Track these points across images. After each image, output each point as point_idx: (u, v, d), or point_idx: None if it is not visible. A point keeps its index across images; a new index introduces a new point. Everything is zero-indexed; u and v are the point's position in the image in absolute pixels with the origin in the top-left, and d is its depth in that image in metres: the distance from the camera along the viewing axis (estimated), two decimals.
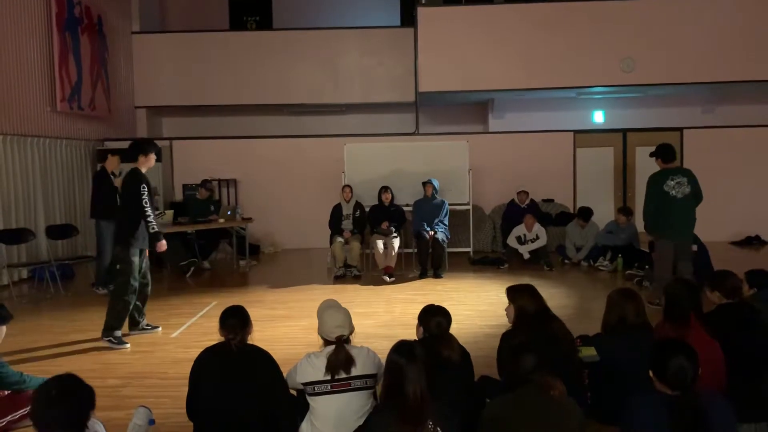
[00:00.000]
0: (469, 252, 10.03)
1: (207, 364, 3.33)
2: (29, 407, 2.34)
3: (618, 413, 2.83)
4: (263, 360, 3.36)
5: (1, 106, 8.43)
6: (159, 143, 10.83)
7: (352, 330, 3.33)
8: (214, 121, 13.14)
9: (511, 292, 3.83)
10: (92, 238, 8.56)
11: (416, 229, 8.77)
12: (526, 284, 3.91)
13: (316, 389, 3.19)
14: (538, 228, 9.24)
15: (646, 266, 7.90)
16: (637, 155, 11.47)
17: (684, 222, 6.30)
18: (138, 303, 5.86)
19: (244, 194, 11.39)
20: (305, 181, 11.28)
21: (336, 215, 8.92)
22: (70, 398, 2.27)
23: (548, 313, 3.80)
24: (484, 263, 9.38)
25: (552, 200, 11.20)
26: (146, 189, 5.62)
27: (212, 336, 3.67)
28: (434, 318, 3.45)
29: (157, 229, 5.69)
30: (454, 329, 3.55)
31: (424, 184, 8.96)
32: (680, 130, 11.36)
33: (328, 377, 3.16)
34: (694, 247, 6.92)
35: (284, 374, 3.39)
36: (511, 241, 9.40)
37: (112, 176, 7.78)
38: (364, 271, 8.77)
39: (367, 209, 9.08)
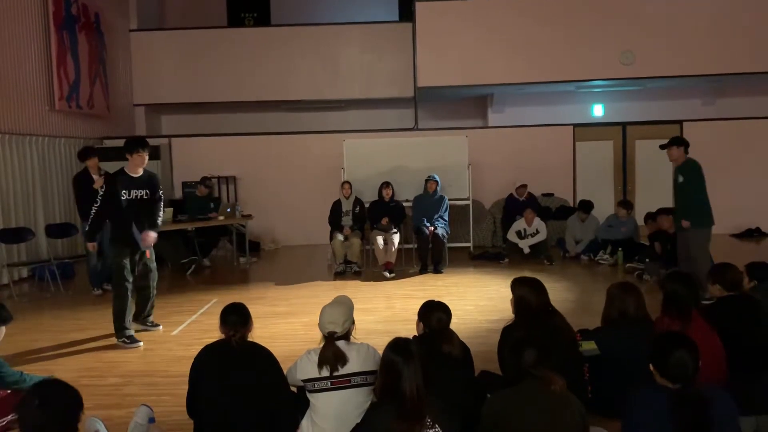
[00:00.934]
0: (469, 247, 10.02)
1: (207, 361, 3.33)
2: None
3: (619, 406, 2.83)
4: (264, 357, 3.35)
5: (0, 105, 8.40)
6: (158, 141, 11.02)
7: (347, 328, 3.29)
8: (213, 118, 13.12)
9: (513, 283, 3.83)
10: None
11: (416, 224, 8.76)
12: (531, 277, 3.89)
13: (316, 386, 3.18)
14: (538, 222, 9.23)
15: (647, 260, 7.91)
16: (637, 149, 11.46)
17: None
18: (138, 301, 5.84)
19: (243, 191, 11.38)
20: (305, 177, 11.27)
21: (336, 211, 8.91)
22: (53, 405, 2.27)
23: (550, 307, 3.80)
24: (484, 258, 9.38)
25: (552, 194, 11.19)
26: (113, 186, 5.61)
27: (213, 334, 3.67)
28: (434, 313, 3.45)
29: (92, 230, 5.79)
30: (454, 324, 3.55)
31: (427, 180, 8.94)
32: (680, 122, 11.34)
33: (327, 374, 3.16)
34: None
35: (284, 371, 3.39)
36: (511, 236, 9.39)
37: (97, 175, 7.71)
38: (365, 267, 8.76)
39: (367, 205, 9.07)
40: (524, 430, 2.67)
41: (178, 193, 11.24)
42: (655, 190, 11.16)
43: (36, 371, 4.23)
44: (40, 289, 8.04)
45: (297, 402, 3.36)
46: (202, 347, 3.41)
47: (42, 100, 9.40)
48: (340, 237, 8.59)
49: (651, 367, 2.71)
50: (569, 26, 10.86)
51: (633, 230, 8.89)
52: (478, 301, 6.81)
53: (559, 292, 7.01)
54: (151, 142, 11.09)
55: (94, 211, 5.75)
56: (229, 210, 9.27)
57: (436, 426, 2.56)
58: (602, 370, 3.72)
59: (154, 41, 12.41)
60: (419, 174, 9.22)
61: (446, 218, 8.86)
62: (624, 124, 11.64)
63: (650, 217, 8.34)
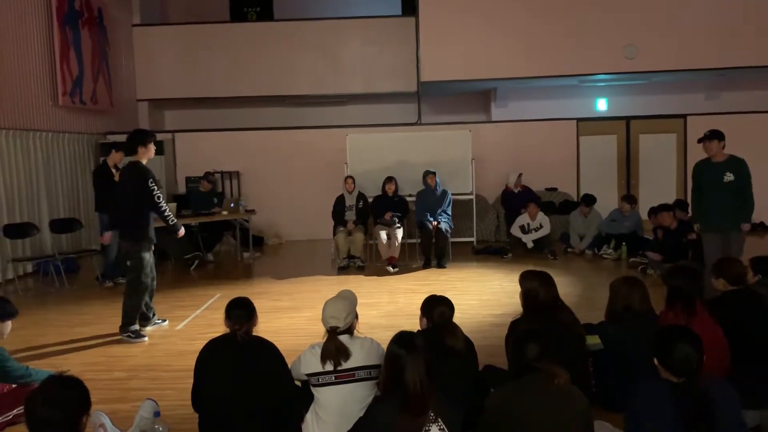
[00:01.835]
0: (472, 241, 10.02)
1: (212, 355, 3.34)
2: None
3: (623, 400, 2.84)
4: (268, 351, 3.37)
5: (4, 101, 8.42)
6: (161, 136, 11.02)
7: (350, 323, 3.28)
8: (216, 113, 13.12)
9: (521, 276, 3.83)
10: (96, 231, 8.60)
11: (419, 219, 8.76)
12: (541, 271, 3.88)
13: (320, 380, 3.19)
14: (541, 217, 9.23)
15: (649, 252, 7.90)
16: (641, 143, 11.42)
17: None
18: (147, 299, 5.79)
19: (246, 186, 11.39)
20: (308, 172, 11.27)
21: (339, 206, 8.91)
22: (61, 399, 2.29)
23: (558, 302, 3.79)
24: (487, 253, 9.37)
25: (555, 189, 11.17)
26: (154, 182, 5.54)
27: (217, 328, 3.68)
28: (437, 308, 3.45)
29: (175, 221, 5.76)
30: (457, 319, 3.55)
31: (426, 174, 8.92)
32: (684, 117, 11.30)
33: (331, 368, 3.17)
34: (693, 235, 6.92)
35: (288, 365, 3.40)
36: (515, 231, 9.39)
37: (114, 170, 7.77)
38: (368, 262, 8.77)
39: (370, 200, 9.07)
40: (527, 423, 2.67)
41: (181, 189, 11.26)
42: (658, 184, 11.14)
43: (41, 366, 4.25)
44: (45, 284, 8.07)
45: (301, 396, 3.37)
46: (206, 342, 3.42)
47: (45, 95, 9.41)
48: (343, 231, 8.59)
49: (655, 360, 2.71)
50: (573, 20, 10.81)
51: (637, 224, 8.87)
52: (482, 296, 6.82)
53: (562, 286, 6.94)
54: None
55: (163, 202, 5.58)
56: (232, 205, 9.28)
57: (440, 420, 2.56)
58: (606, 364, 3.72)
59: (157, 36, 12.40)
60: (422, 169, 9.20)
61: (449, 213, 8.86)
62: (628, 119, 11.60)
63: (653, 211, 8.32)
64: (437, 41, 10.90)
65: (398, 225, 8.60)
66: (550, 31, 10.80)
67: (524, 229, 9.29)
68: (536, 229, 9.20)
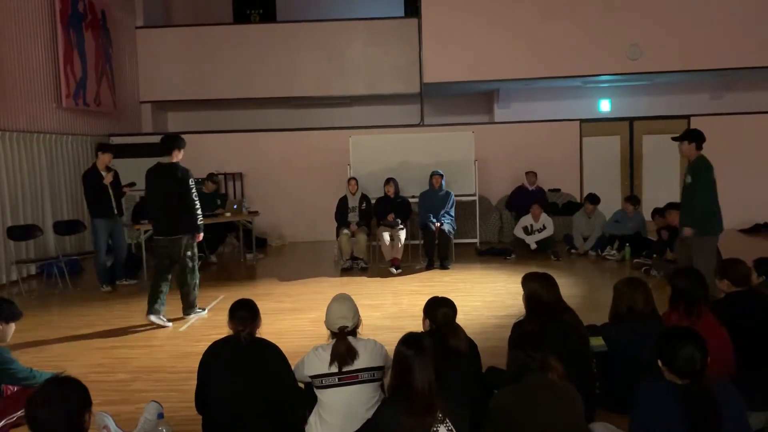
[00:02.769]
0: (475, 243, 10.01)
1: (216, 356, 3.34)
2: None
3: (627, 402, 2.83)
4: (272, 353, 3.37)
5: (8, 102, 8.44)
6: None
7: (357, 322, 3.32)
8: (220, 114, 13.14)
9: (524, 278, 3.82)
10: None
11: (422, 220, 8.76)
12: (543, 272, 3.87)
13: (323, 382, 3.19)
14: (544, 218, 9.22)
15: (654, 255, 7.88)
16: (644, 144, 11.41)
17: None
18: (164, 289, 6.14)
19: (250, 187, 11.40)
20: (311, 173, 11.27)
21: (342, 207, 8.92)
22: (59, 399, 2.29)
23: (561, 303, 3.78)
24: (490, 254, 9.36)
25: (559, 190, 11.16)
26: (194, 182, 6.11)
27: (220, 329, 3.69)
28: (440, 309, 3.45)
29: (202, 221, 6.23)
30: (460, 320, 3.54)
31: (432, 175, 8.92)
32: (687, 117, 11.27)
33: (335, 370, 3.16)
34: None
35: (292, 367, 3.40)
36: (518, 232, 9.38)
37: (105, 171, 7.74)
38: (371, 263, 8.77)
39: (373, 201, 9.07)
40: (531, 423, 2.68)
41: None
42: (662, 185, 11.12)
43: (45, 367, 4.25)
44: (48, 285, 8.08)
45: (304, 398, 3.37)
46: (210, 343, 3.43)
47: (49, 97, 9.43)
48: (346, 233, 8.59)
49: (659, 362, 2.70)
50: (576, 21, 10.82)
51: (640, 225, 8.86)
52: (485, 297, 6.81)
53: (566, 287, 6.96)
54: (158, 139, 11.14)
55: (198, 206, 6.10)
56: (235, 206, 9.29)
57: (447, 420, 2.57)
58: (610, 365, 3.71)
59: (160, 38, 12.42)
60: (425, 170, 9.21)
61: (452, 214, 8.85)
62: (631, 119, 11.58)
63: (657, 212, 8.31)
64: (440, 42, 10.91)
65: (401, 226, 8.60)
66: (554, 33, 10.80)
67: (527, 230, 9.28)
68: (539, 230, 9.19)
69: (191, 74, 12.29)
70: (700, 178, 5.66)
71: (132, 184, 8.03)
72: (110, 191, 7.68)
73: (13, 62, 8.59)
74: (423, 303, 3.58)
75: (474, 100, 13.05)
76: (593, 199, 9.32)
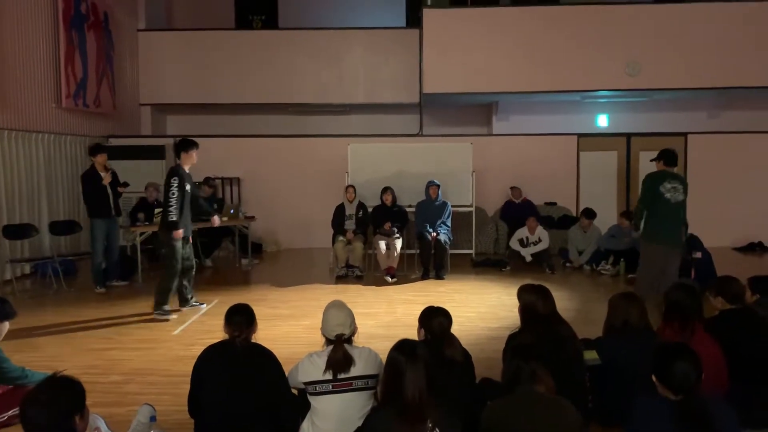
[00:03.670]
0: (471, 254, 10.02)
1: (210, 361, 3.34)
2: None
3: (620, 416, 2.83)
4: (266, 358, 3.37)
5: (7, 101, 8.44)
6: (163, 141, 11.04)
7: (353, 330, 3.33)
8: (219, 119, 13.15)
9: (519, 290, 3.83)
10: None
11: (419, 230, 8.77)
12: (539, 285, 3.88)
13: (317, 389, 3.19)
14: (540, 231, 9.24)
15: None
16: (641, 160, 11.44)
17: (677, 228, 5.89)
18: (185, 283, 6.65)
19: (247, 193, 11.39)
20: (308, 180, 11.28)
21: (339, 215, 8.92)
22: (48, 400, 2.30)
23: (557, 315, 3.79)
24: (486, 265, 9.37)
25: (555, 203, 11.19)
26: (176, 181, 6.26)
27: (214, 334, 3.69)
28: (435, 318, 3.45)
29: (174, 219, 6.28)
30: (455, 331, 3.55)
31: (429, 185, 8.94)
32: (684, 135, 11.34)
33: (330, 377, 3.16)
34: (698, 254, 6.90)
35: (285, 373, 3.40)
36: (514, 244, 9.40)
37: (103, 172, 7.73)
38: (367, 272, 8.77)
39: (370, 209, 9.08)
40: None
41: None
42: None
43: (38, 368, 4.23)
44: (42, 285, 8.06)
45: (298, 404, 3.37)
46: (203, 347, 3.42)
47: (49, 97, 9.44)
48: (342, 240, 8.60)
49: (653, 378, 2.71)
50: (576, 36, 10.88)
51: (635, 241, 8.86)
52: (480, 308, 6.81)
53: (560, 301, 6.92)
54: (156, 142, 11.18)
55: (175, 202, 6.27)
56: (232, 211, 9.27)
57: (437, 429, 2.56)
58: (604, 379, 3.72)
59: (161, 41, 12.46)
60: (423, 179, 9.23)
61: (449, 224, 8.87)
62: (628, 135, 11.63)
63: None
64: (440, 54, 10.96)
65: (397, 235, 8.61)
66: (553, 47, 10.87)
67: (523, 243, 9.30)
68: (535, 243, 9.21)
69: (191, 78, 12.32)
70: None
71: (125, 185, 8.01)
72: (109, 191, 7.70)
73: (14, 61, 8.60)
74: (417, 312, 3.58)
75: (473, 111, 13.10)
76: (589, 213, 9.35)
